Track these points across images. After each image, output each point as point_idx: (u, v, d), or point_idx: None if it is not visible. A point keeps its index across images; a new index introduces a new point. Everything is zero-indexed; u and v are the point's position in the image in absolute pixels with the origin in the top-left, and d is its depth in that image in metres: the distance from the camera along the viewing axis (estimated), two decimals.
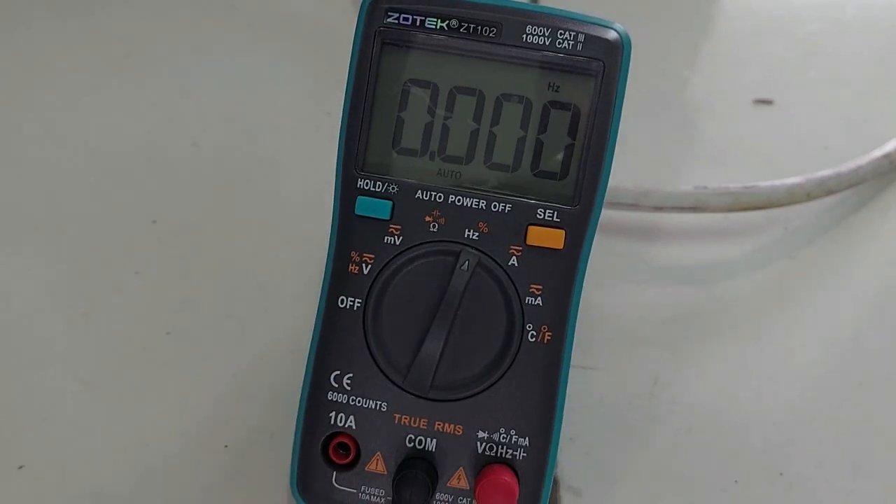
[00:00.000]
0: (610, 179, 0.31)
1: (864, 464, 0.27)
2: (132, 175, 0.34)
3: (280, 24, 0.41)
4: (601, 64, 0.21)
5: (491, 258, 0.21)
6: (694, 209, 0.31)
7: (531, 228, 0.21)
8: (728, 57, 0.43)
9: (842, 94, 0.40)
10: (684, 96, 0.40)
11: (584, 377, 0.28)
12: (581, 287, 0.22)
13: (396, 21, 0.21)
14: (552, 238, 0.21)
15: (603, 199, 0.22)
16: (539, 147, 0.22)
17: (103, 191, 0.33)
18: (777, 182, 0.33)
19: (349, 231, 0.22)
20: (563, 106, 0.21)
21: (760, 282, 0.32)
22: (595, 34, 0.21)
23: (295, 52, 0.40)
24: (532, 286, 0.21)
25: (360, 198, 0.22)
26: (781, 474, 0.27)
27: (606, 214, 0.32)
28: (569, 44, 0.21)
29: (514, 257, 0.21)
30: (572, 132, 0.21)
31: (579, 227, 0.21)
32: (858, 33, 0.44)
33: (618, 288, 0.31)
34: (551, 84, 0.21)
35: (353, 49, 0.22)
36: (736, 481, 0.26)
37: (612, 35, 0.21)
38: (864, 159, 0.35)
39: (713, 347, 0.30)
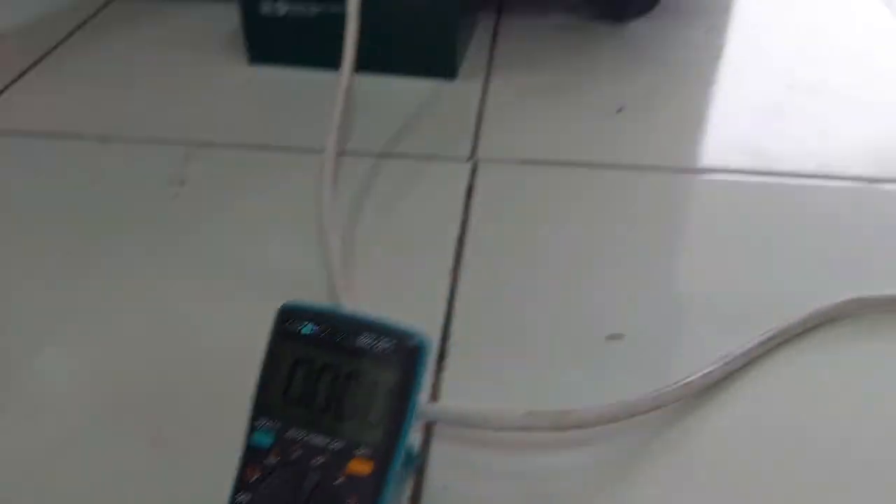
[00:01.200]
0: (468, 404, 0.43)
1: None
2: (135, 394, 0.49)
3: (264, 281, 0.55)
4: (404, 360, 0.34)
5: (327, 477, 0.34)
6: (525, 429, 0.43)
7: (352, 460, 0.34)
8: (583, 294, 0.54)
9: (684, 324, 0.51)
10: (539, 336, 0.51)
11: None
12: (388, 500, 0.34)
13: (287, 325, 0.36)
14: (364, 466, 0.34)
15: (404, 441, 0.34)
16: (366, 408, 0.35)
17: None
18: (592, 405, 0.44)
19: (247, 453, 0.35)
20: (384, 385, 0.35)
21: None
22: (400, 341, 0.35)
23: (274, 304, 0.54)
24: (348, 498, 0.34)
25: (255, 431, 0.35)
26: None
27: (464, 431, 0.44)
28: (383, 346, 0.35)
29: (341, 478, 0.34)
30: (387, 400, 0.35)
31: (384, 461, 0.34)
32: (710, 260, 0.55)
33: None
34: (375, 369, 0.35)
35: (268, 340, 0.36)
36: None
37: (413, 341, 0.35)
38: (666, 388, 0.45)
39: None
